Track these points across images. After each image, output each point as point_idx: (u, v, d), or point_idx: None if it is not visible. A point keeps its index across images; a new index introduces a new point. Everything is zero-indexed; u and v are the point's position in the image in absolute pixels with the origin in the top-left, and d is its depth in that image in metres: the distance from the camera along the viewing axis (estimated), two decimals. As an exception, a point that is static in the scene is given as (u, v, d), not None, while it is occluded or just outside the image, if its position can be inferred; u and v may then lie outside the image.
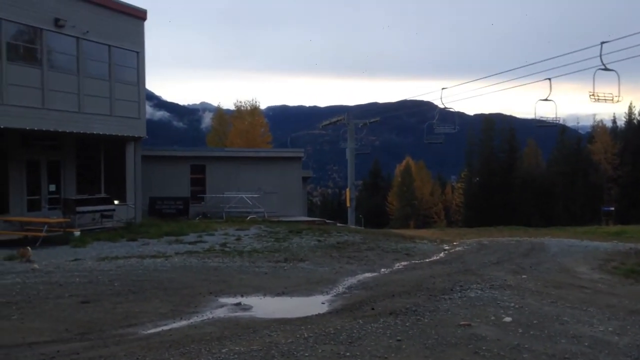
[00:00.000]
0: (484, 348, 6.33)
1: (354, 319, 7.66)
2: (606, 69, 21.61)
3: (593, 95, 22.96)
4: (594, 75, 22.24)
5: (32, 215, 19.90)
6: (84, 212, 19.67)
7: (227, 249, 15.96)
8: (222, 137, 55.64)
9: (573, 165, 73.42)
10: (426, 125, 40.38)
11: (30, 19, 18.60)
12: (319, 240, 18.29)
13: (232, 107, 59.02)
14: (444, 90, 33.04)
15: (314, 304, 9.09)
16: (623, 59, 23.02)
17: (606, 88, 23.79)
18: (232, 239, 18.21)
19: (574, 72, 26.86)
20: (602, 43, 21.38)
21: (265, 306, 8.99)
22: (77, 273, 11.64)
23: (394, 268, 13.55)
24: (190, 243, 17.20)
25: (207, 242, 17.47)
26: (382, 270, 13.14)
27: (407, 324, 7.36)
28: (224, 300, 9.29)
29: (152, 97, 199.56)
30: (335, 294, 9.99)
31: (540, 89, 28.70)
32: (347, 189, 41.86)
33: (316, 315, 8.15)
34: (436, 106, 37.37)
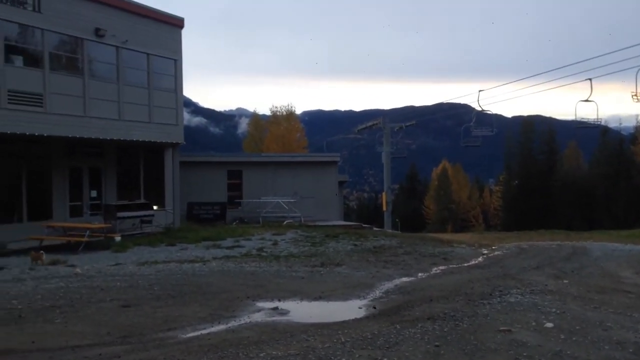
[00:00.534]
0: (524, 354, 6.18)
1: (391, 324, 7.59)
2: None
3: (635, 95, 22.54)
4: (637, 75, 21.81)
5: (74, 220, 20.43)
6: (124, 218, 20.10)
7: (263, 254, 16.07)
8: (258, 143, 56.00)
9: (615, 167, 71.41)
10: (463, 128, 39.96)
11: (71, 29, 19.15)
12: (355, 245, 18.25)
13: (268, 113, 59.62)
14: (481, 92, 32.99)
15: (351, 309, 9.04)
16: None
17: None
18: (268, 244, 18.34)
19: (615, 72, 26.34)
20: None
21: (302, 310, 8.98)
22: (118, 277, 11.88)
23: (432, 272, 13.42)
24: (227, 248, 17.38)
25: (244, 246, 17.62)
26: (420, 274, 13.03)
27: (446, 329, 7.26)
28: (261, 304, 9.33)
29: (189, 104, 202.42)
30: (372, 298, 9.94)
31: (580, 89, 28.23)
32: (383, 193, 41.61)
33: (353, 319, 8.11)
34: (473, 109, 37.08)
